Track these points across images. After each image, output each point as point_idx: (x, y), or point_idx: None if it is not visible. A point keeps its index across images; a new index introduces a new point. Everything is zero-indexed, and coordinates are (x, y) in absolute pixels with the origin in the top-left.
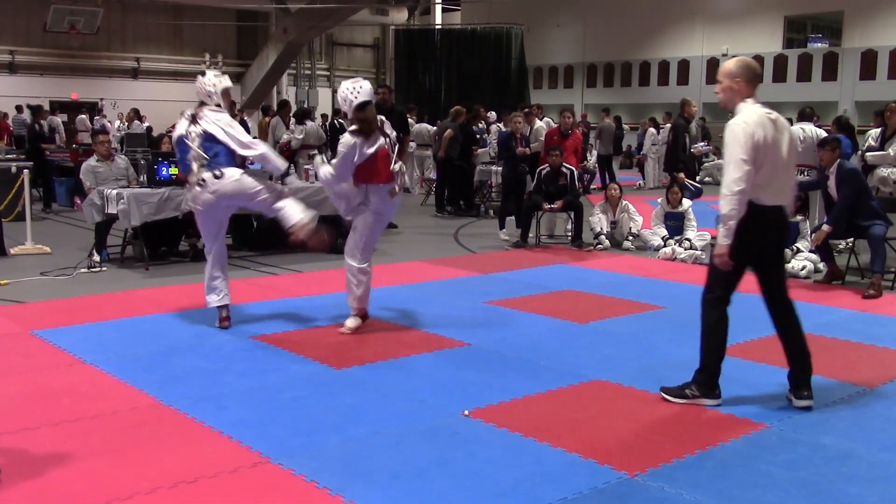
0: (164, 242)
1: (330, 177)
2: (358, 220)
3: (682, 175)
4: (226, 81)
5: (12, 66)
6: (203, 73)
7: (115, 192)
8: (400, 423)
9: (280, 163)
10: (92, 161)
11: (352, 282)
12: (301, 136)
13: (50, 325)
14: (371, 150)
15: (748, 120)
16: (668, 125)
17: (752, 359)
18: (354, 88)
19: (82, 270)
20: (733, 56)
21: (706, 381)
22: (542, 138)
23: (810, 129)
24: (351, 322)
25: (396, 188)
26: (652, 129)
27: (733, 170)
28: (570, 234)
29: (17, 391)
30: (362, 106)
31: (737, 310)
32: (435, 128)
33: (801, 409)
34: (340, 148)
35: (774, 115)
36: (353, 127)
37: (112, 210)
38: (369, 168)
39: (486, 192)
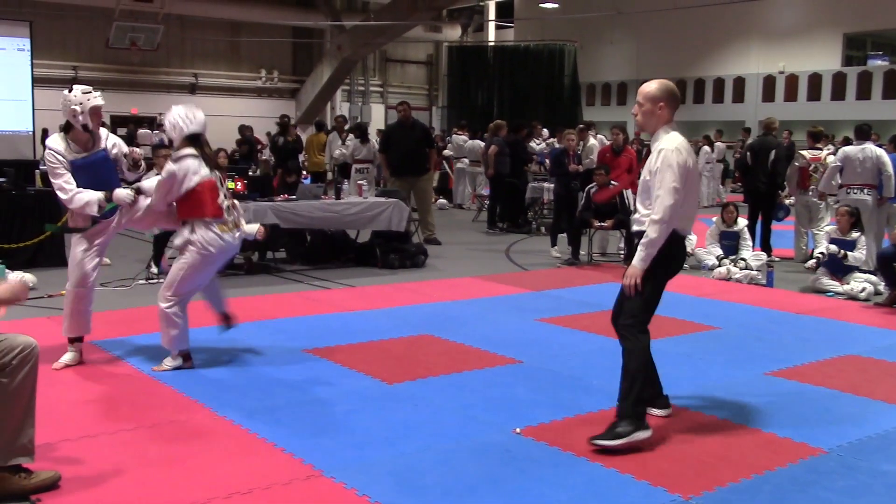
0: None
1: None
2: (182, 258)
3: (783, 195)
4: (95, 99)
5: (75, 80)
6: (70, 89)
7: None
8: (451, 440)
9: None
10: (152, 175)
11: (161, 322)
12: (348, 152)
13: (108, 336)
14: (193, 183)
15: (680, 147)
16: (719, 143)
17: (809, 382)
18: (188, 117)
19: (140, 282)
20: (790, 73)
21: (638, 412)
22: (594, 156)
23: (871, 149)
24: (168, 362)
25: (229, 225)
26: (706, 147)
27: (667, 197)
28: (622, 252)
29: (77, 399)
30: (195, 137)
31: (790, 333)
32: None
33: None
34: (161, 175)
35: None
36: (180, 153)
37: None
38: (194, 201)
39: (538, 209)
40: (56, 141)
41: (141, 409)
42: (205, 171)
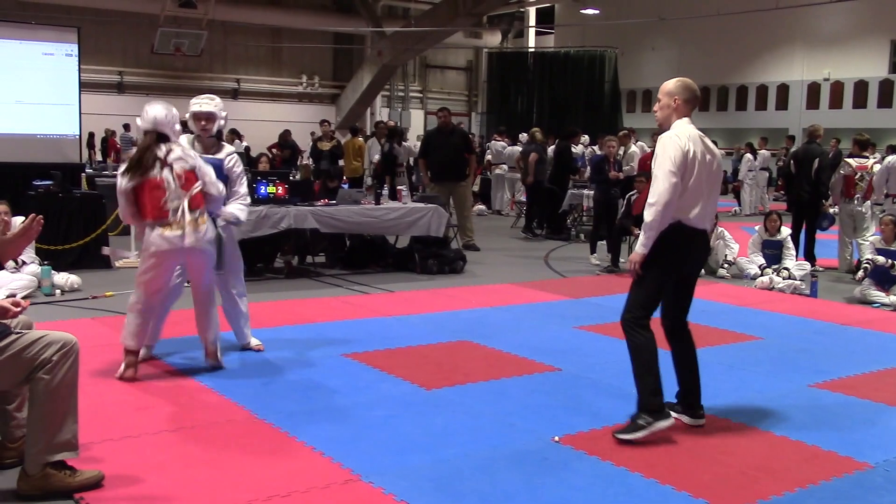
0: (261, 259)
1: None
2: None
3: (827, 204)
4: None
5: (121, 86)
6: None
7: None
8: (489, 447)
9: None
10: None
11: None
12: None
13: None
14: (132, 183)
15: (681, 134)
16: (763, 151)
17: (854, 394)
18: (142, 114)
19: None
20: (835, 80)
21: (652, 404)
22: (634, 163)
23: None
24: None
25: (177, 225)
26: (748, 155)
27: (662, 181)
28: None
29: (121, 399)
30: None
31: (834, 344)
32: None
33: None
34: None
35: (706, 137)
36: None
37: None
38: (139, 204)
39: (578, 215)
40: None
41: (182, 410)
42: (152, 172)
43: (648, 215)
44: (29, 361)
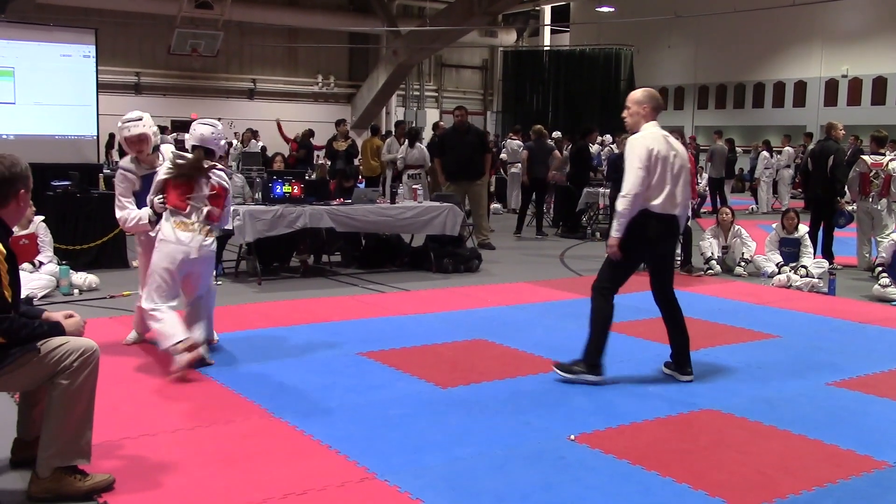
0: (277, 258)
1: None
2: None
3: (843, 201)
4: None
5: (138, 86)
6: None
7: (231, 208)
8: (505, 445)
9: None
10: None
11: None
12: (402, 156)
13: None
14: (168, 178)
15: (646, 135)
16: (787, 148)
17: (873, 393)
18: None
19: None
20: (853, 77)
21: (591, 359)
22: None
23: None
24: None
25: (184, 228)
26: (765, 153)
27: (632, 176)
28: (679, 258)
29: (138, 398)
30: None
31: (853, 342)
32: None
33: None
34: None
35: (670, 136)
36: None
37: (228, 226)
38: (164, 191)
39: (594, 214)
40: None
41: (199, 409)
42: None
43: (620, 205)
44: (51, 367)
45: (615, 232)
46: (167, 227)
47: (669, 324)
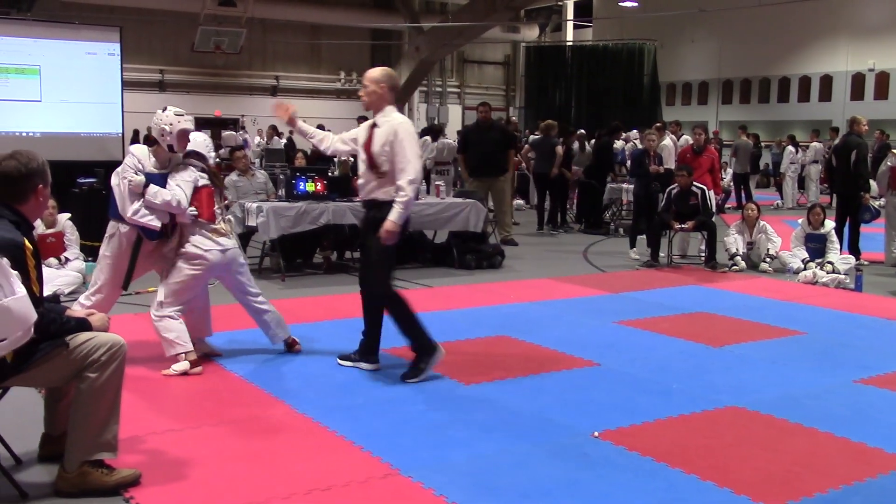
0: (300, 254)
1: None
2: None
3: (868, 196)
4: (185, 123)
5: (162, 83)
6: (164, 108)
7: (255, 205)
8: (528, 442)
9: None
10: (233, 176)
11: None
12: (433, 154)
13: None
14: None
15: (409, 121)
16: (815, 143)
17: None
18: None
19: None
20: (880, 71)
21: (371, 348)
22: (665, 155)
23: None
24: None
25: (218, 234)
26: (790, 148)
27: (416, 162)
28: (703, 254)
29: (164, 394)
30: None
31: (880, 339)
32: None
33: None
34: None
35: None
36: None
37: (252, 223)
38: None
39: (617, 210)
40: (141, 149)
41: (224, 404)
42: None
43: (412, 192)
44: (79, 361)
45: (402, 219)
46: (199, 239)
47: (366, 311)
